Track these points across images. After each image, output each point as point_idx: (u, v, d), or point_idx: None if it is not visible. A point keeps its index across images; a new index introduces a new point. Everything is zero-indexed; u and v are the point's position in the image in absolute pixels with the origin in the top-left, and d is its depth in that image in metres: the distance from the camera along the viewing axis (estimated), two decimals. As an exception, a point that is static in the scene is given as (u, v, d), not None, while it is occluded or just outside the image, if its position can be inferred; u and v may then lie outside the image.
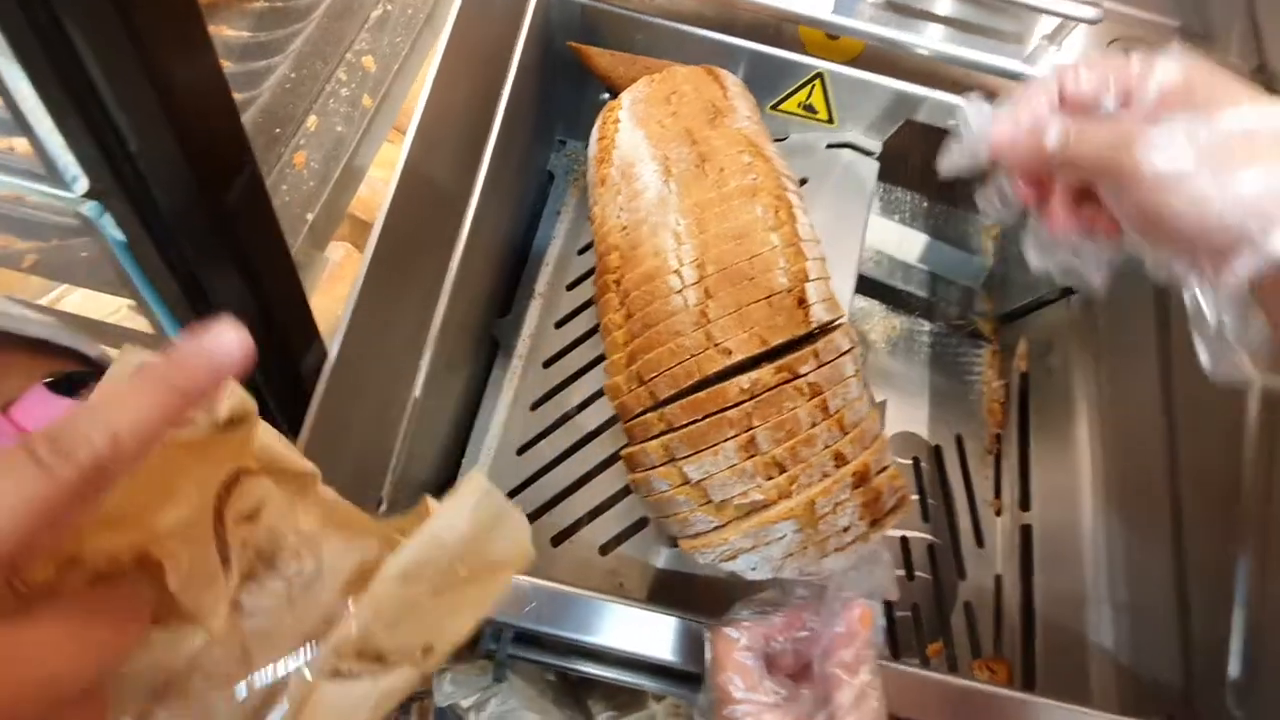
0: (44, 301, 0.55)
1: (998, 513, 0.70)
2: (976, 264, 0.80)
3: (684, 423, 0.36)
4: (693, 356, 0.36)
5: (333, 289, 0.63)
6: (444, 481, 0.58)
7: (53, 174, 0.24)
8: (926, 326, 0.76)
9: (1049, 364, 0.70)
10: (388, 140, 0.63)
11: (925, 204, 0.82)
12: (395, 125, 0.60)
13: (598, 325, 0.64)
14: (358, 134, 0.42)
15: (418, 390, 0.45)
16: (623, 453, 0.40)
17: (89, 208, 0.25)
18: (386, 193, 0.36)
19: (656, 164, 0.43)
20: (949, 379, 0.74)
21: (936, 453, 0.71)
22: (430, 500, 0.21)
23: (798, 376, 0.36)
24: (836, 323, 0.40)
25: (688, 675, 0.40)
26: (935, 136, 0.84)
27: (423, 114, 0.37)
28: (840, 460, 0.35)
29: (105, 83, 0.22)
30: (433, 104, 0.38)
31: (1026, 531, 0.67)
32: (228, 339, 0.16)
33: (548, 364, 0.62)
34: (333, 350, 0.34)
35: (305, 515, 0.19)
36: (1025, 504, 0.68)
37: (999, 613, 0.66)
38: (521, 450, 0.58)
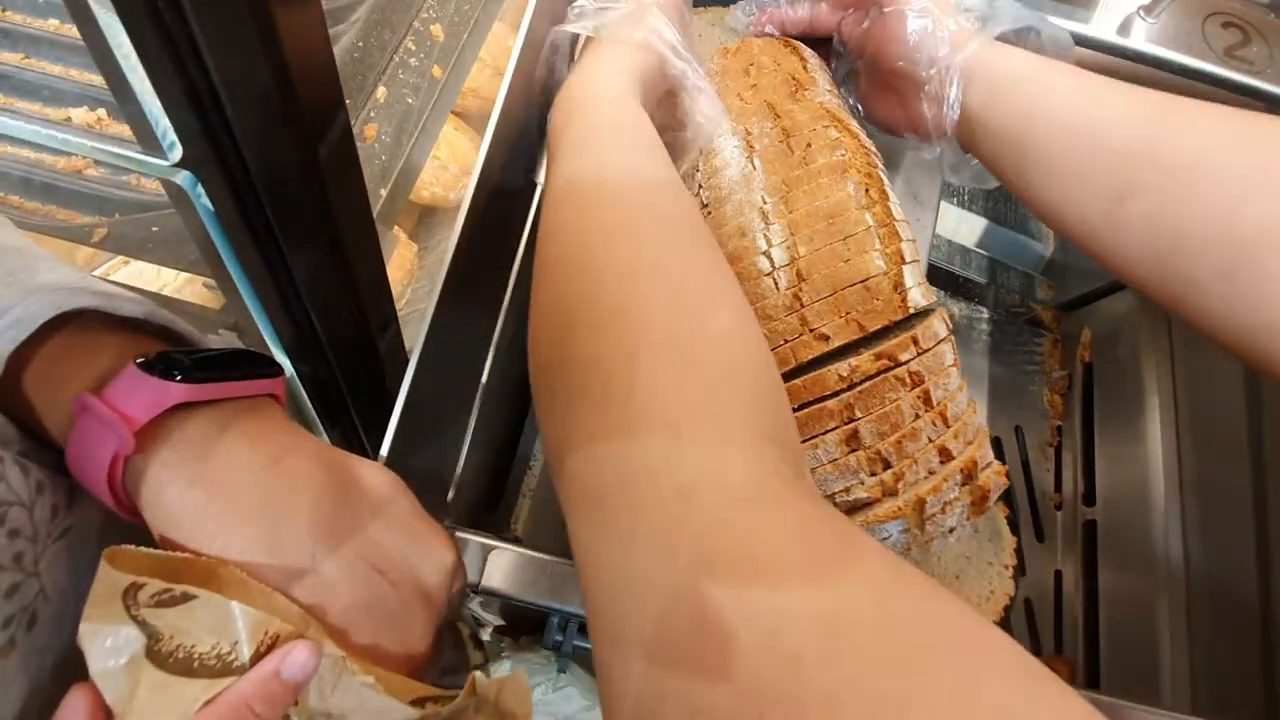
0: (98, 273, 0.54)
1: (1058, 507, 0.68)
2: (1037, 249, 0.78)
3: (778, 412, 0.34)
4: (787, 343, 0.35)
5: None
6: (501, 467, 0.56)
7: (148, 140, 0.23)
8: (985, 314, 0.74)
9: (1116, 354, 0.68)
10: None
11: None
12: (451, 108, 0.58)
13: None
14: (428, 106, 0.40)
15: (484, 377, 0.43)
16: (707, 442, 0.38)
17: (183, 177, 0.24)
18: (470, 183, 0.34)
19: (738, 139, 0.41)
20: (1008, 369, 0.72)
21: (995, 444, 0.69)
22: (479, 676, 0.23)
23: (898, 364, 0.34)
24: (931, 308, 0.38)
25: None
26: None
27: (503, 104, 0.35)
28: (945, 456, 0.33)
29: (204, 33, 0.21)
30: (514, 91, 0.36)
31: (1090, 527, 0.65)
32: (302, 657, 0.19)
33: (603, 348, 0.60)
34: (416, 347, 0.33)
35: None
36: (1090, 499, 0.66)
37: (1059, 610, 0.64)
38: (577, 436, 0.57)
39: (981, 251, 0.77)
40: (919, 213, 0.54)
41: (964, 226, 0.77)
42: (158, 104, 0.23)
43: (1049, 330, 0.74)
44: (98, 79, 0.35)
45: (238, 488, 0.21)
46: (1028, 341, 0.74)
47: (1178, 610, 0.55)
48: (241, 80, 0.23)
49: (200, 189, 0.24)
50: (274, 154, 0.25)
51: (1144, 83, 0.54)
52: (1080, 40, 0.51)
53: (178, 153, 0.23)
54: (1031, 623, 0.64)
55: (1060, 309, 0.75)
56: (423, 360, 0.33)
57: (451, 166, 0.65)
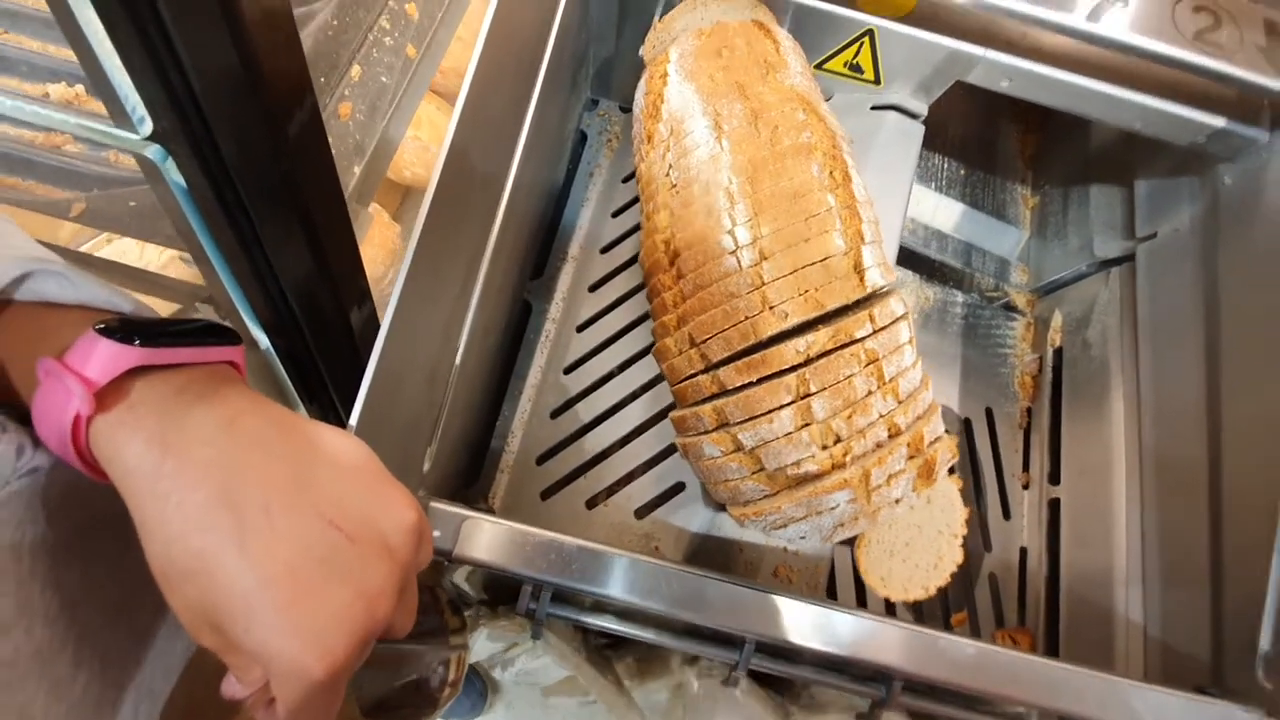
0: (84, 249, 0.54)
1: (1025, 486, 0.70)
2: (1013, 235, 0.79)
3: (738, 385, 0.35)
4: (748, 319, 0.36)
5: (363, 251, 0.63)
6: (478, 441, 0.58)
7: (119, 114, 0.24)
8: (960, 298, 0.75)
9: (1085, 338, 0.69)
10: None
11: (962, 172, 0.80)
12: (429, 87, 0.59)
13: (632, 289, 0.64)
14: (403, 85, 0.40)
15: (458, 357, 0.44)
16: (672, 416, 0.40)
17: (153, 150, 0.25)
18: (439, 157, 0.35)
19: (708, 120, 0.42)
20: (981, 352, 0.73)
21: (966, 425, 0.70)
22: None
23: (854, 341, 0.35)
24: (889, 288, 0.39)
25: (724, 637, 0.40)
26: (976, 102, 0.82)
27: (473, 78, 0.36)
28: (894, 430, 0.34)
29: (169, 10, 0.22)
30: (482, 68, 0.36)
31: (1055, 505, 0.67)
32: None
33: (581, 328, 0.61)
34: (387, 317, 0.34)
35: None
36: (1055, 478, 0.68)
37: (1023, 585, 0.66)
38: (555, 414, 0.58)
39: (957, 236, 0.78)
40: (890, 195, 0.55)
41: (940, 211, 0.78)
42: (127, 79, 0.23)
43: (1022, 314, 0.76)
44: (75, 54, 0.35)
45: (191, 445, 0.22)
46: (1001, 325, 0.75)
47: (1134, 583, 0.57)
48: (207, 57, 0.23)
49: (171, 163, 0.25)
50: (242, 132, 0.26)
51: (1116, 68, 0.55)
52: (1053, 27, 0.51)
53: (147, 127, 0.24)
54: (996, 597, 0.66)
55: (1034, 293, 0.76)
56: (392, 334, 0.34)
57: (433, 148, 0.65)
